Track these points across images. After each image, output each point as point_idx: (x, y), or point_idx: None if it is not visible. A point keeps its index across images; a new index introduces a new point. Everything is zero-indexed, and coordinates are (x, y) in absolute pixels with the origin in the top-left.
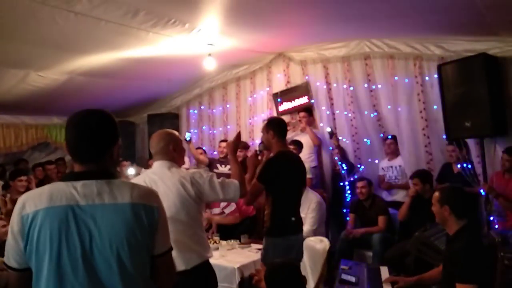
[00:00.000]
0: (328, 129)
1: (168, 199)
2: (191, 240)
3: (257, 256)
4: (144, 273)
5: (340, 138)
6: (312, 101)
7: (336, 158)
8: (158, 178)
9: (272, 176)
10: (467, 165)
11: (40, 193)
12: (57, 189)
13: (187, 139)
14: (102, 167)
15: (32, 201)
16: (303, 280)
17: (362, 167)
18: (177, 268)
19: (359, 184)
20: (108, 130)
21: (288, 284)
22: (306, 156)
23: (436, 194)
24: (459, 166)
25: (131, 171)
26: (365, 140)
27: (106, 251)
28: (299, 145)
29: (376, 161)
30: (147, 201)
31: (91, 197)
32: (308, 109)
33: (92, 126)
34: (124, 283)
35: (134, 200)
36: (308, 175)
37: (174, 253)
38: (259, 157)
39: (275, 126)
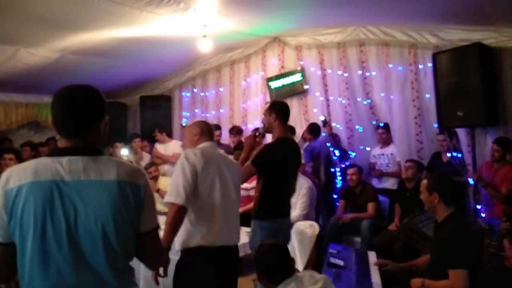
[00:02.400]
0: (322, 117)
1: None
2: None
3: (246, 239)
4: (129, 250)
5: (334, 124)
6: (307, 86)
7: (328, 144)
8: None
9: (268, 163)
10: (456, 154)
11: (25, 168)
12: (42, 164)
13: (184, 124)
14: (89, 142)
15: (17, 175)
16: (291, 261)
17: (354, 153)
18: (234, 241)
19: (350, 171)
20: (95, 105)
21: (277, 265)
22: None
23: (424, 181)
24: (448, 155)
25: (124, 151)
26: (357, 127)
27: (91, 227)
28: (292, 131)
29: (368, 149)
30: (133, 179)
31: (76, 173)
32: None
33: (79, 100)
34: (109, 259)
35: (120, 177)
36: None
37: (233, 227)
38: (257, 139)
39: (278, 109)
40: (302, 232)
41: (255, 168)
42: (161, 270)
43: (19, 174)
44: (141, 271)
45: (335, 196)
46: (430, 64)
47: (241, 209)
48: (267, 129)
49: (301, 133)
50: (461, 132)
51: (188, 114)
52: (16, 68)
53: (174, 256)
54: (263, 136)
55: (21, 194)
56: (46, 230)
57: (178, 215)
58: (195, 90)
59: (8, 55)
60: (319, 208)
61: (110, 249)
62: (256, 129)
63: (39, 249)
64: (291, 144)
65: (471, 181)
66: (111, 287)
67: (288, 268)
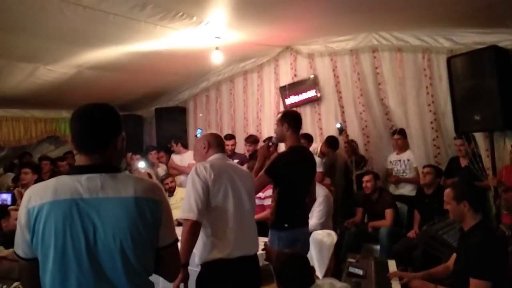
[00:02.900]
0: (338, 125)
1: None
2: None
3: None
4: (147, 266)
5: (349, 131)
6: (319, 94)
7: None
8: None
9: (281, 172)
10: (475, 159)
11: (46, 186)
12: (62, 183)
13: (198, 135)
14: (107, 159)
15: (38, 194)
16: (311, 270)
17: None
18: (253, 251)
19: (365, 178)
20: (112, 121)
21: (297, 274)
22: None
23: (449, 191)
24: (467, 160)
25: (141, 164)
26: (374, 133)
27: (109, 244)
28: (309, 138)
29: (385, 154)
30: (151, 195)
31: (95, 190)
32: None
33: (96, 117)
34: (128, 276)
35: (137, 194)
36: (320, 169)
37: (250, 236)
38: (271, 149)
39: (290, 119)
40: (321, 242)
41: (269, 178)
42: (181, 286)
43: (40, 193)
44: (160, 283)
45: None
46: (444, 69)
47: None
48: (279, 139)
49: (319, 148)
50: (479, 136)
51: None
52: (35, 84)
53: (194, 268)
54: (276, 146)
55: (42, 212)
56: (66, 248)
57: (192, 230)
58: (209, 100)
59: (28, 72)
60: (335, 216)
61: (128, 265)
62: (269, 139)
63: (60, 266)
64: (304, 152)
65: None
66: None
67: (307, 277)
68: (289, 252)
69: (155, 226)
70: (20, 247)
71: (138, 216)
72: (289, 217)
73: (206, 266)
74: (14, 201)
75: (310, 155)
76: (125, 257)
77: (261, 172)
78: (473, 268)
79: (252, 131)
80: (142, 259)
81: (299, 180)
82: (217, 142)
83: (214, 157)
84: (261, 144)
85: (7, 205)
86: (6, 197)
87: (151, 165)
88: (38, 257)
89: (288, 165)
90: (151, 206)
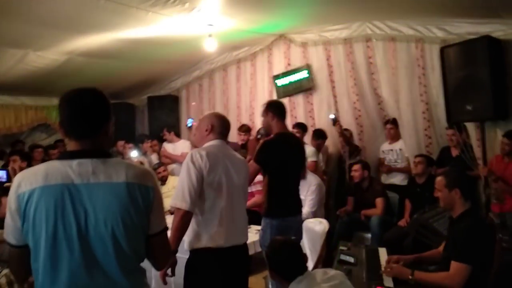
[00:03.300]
0: (332, 116)
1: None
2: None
3: (256, 237)
4: (139, 251)
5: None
6: (313, 84)
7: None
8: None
9: (268, 158)
10: (466, 149)
11: (36, 172)
12: (52, 168)
13: (189, 125)
14: (97, 145)
15: (28, 180)
16: (304, 258)
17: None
18: (242, 241)
19: (354, 167)
20: (102, 106)
21: (289, 261)
22: None
23: (441, 179)
24: (458, 150)
25: (134, 154)
26: (367, 123)
27: (101, 229)
28: (303, 128)
29: (377, 144)
30: (142, 181)
31: (86, 176)
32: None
33: (85, 102)
34: (120, 261)
35: (129, 179)
36: (313, 158)
37: (240, 226)
38: (260, 141)
39: (274, 108)
40: (312, 230)
41: (257, 165)
42: (169, 271)
43: (30, 178)
44: (153, 270)
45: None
46: (437, 59)
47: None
48: (267, 129)
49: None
50: (470, 126)
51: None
52: (25, 71)
53: (183, 255)
54: (266, 137)
55: (32, 198)
56: (57, 233)
57: (184, 219)
58: (202, 88)
59: (17, 58)
60: (327, 205)
61: (120, 251)
62: (258, 132)
63: (51, 252)
64: (291, 138)
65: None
66: (123, 287)
67: (300, 264)
68: (282, 239)
69: (146, 212)
70: (11, 234)
71: (129, 201)
72: (280, 205)
73: (195, 253)
74: (9, 178)
75: (298, 142)
76: (117, 242)
77: (251, 161)
78: (456, 252)
79: (245, 120)
80: (133, 245)
81: (287, 166)
82: (220, 129)
83: (212, 143)
84: (254, 133)
85: (3, 182)
86: (2, 174)
87: (144, 153)
88: (29, 243)
89: (274, 150)
90: (143, 191)
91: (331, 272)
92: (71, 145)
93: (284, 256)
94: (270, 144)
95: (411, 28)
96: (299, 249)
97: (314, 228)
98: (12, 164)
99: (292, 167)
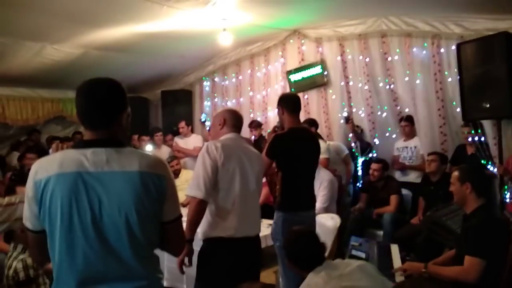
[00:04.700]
0: (345, 114)
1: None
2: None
3: (267, 230)
4: (152, 239)
5: (355, 117)
6: (326, 79)
7: (349, 139)
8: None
9: (279, 151)
10: (482, 147)
11: (52, 160)
12: (67, 156)
13: (202, 120)
14: (112, 134)
15: (44, 167)
16: (321, 248)
17: (374, 150)
18: (255, 232)
19: (374, 166)
20: (117, 97)
21: (306, 251)
22: None
23: (456, 173)
24: (473, 148)
25: (149, 147)
26: (380, 119)
27: (115, 217)
28: (310, 123)
29: (391, 140)
30: (155, 170)
31: (100, 164)
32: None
33: (101, 93)
34: (133, 248)
35: (142, 168)
36: (324, 155)
37: (253, 218)
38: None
39: (285, 101)
40: (324, 225)
41: (269, 159)
42: (186, 260)
43: (47, 166)
44: (165, 261)
45: (356, 189)
46: (454, 55)
47: None
48: (281, 123)
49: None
50: (487, 124)
51: (208, 109)
52: (42, 64)
53: (197, 247)
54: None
55: (48, 185)
56: (72, 220)
57: (198, 208)
58: (215, 83)
59: (34, 51)
60: (340, 201)
61: (134, 238)
62: (276, 126)
63: (67, 238)
64: (303, 132)
65: (496, 173)
66: (138, 274)
67: (318, 254)
68: (299, 228)
69: (159, 201)
70: (28, 219)
71: (143, 190)
72: (292, 199)
73: (208, 242)
74: None
75: (311, 137)
76: (131, 230)
77: (262, 155)
78: (469, 246)
79: (258, 115)
80: (147, 233)
81: (300, 160)
82: (233, 122)
83: (227, 136)
84: (266, 127)
85: None
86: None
87: (157, 146)
88: (46, 229)
89: (284, 144)
90: (156, 181)
91: (356, 262)
92: (86, 135)
93: (301, 246)
94: (280, 138)
95: (428, 24)
96: (317, 238)
97: (326, 223)
98: (28, 162)
99: (305, 162)
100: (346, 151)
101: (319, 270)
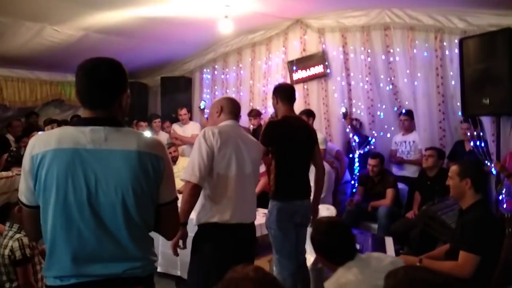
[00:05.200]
0: (343, 109)
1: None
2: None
3: (262, 219)
4: (148, 220)
5: (354, 110)
6: (328, 71)
7: (347, 130)
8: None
9: (271, 139)
10: (480, 143)
11: (50, 135)
12: (65, 133)
13: (202, 107)
14: (111, 114)
15: (42, 142)
16: (352, 240)
17: (373, 140)
18: (250, 219)
19: (372, 161)
20: (119, 77)
21: (337, 244)
22: None
23: (455, 167)
24: (472, 144)
25: (147, 134)
26: (379, 113)
27: (111, 195)
28: (309, 114)
29: (389, 135)
30: (153, 151)
31: (98, 142)
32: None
33: (103, 72)
34: (128, 228)
35: (140, 148)
36: (322, 146)
37: (249, 205)
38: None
39: (280, 91)
40: (319, 215)
41: (263, 145)
42: (180, 242)
43: (44, 141)
44: (160, 247)
45: (352, 182)
46: (456, 50)
47: None
48: (276, 112)
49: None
50: (486, 121)
51: (208, 96)
52: (41, 45)
53: (191, 233)
54: None
55: (45, 160)
56: (67, 196)
57: (192, 192)
58: (216, 71)
59: (34, 32)
60: (336, 192)
61: (129, 218)
62: (271, 115)
63: (61, 214)
64: (296, 121)
65: (494, 171)
66: (131, 254)
67: (348, 248)
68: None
69: (156, 182)
70: (24, 194)
71: (140, 170)
72: (287, 188)
73: (202, 227)
74: None
75: (305, 126)
76: (126, 209)
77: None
78: (465, 242)
79: (258, 104)
80: (143, 213)
81: (292, 147)
82: (230, 109)
83: (225, 123)
84: (265, 117)
85: None
86: None
87: (155, 133)
88: (40, 204)
89: (276, 131)
90: (153, 161)
91: (388, 258)
92: (85, 113)
93: (332, 238)
94: (273, 126)
95: (431, 17)
96: (349, 230)
97: (321, 214)
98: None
99: (299, 150)
100: (336, 148)
101: (351, 265)
